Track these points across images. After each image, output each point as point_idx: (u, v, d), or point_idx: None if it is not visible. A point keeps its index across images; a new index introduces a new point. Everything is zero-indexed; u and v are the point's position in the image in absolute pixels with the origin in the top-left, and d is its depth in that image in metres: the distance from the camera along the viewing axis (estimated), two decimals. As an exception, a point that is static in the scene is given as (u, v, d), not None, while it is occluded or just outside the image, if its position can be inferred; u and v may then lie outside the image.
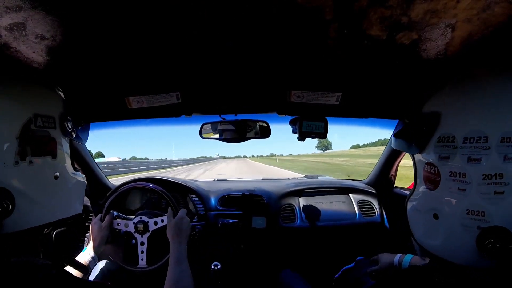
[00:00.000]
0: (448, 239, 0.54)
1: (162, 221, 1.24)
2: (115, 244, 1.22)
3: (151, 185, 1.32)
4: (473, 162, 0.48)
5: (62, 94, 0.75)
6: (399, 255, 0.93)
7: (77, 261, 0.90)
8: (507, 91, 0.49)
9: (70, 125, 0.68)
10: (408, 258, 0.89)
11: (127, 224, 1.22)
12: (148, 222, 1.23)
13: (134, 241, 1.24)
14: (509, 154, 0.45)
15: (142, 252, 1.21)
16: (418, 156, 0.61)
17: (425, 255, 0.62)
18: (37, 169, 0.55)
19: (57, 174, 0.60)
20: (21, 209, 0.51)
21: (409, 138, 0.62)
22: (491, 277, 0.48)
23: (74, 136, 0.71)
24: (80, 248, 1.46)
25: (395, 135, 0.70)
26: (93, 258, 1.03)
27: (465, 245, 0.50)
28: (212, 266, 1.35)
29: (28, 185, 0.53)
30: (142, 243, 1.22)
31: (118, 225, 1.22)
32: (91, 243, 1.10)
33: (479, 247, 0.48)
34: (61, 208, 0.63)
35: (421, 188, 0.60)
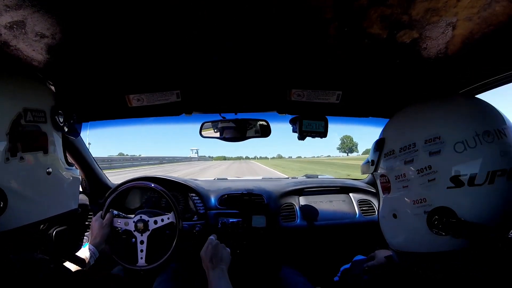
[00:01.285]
0: (407, 232, 0.64)
1: (162, 220, 1.24)
2: (114, 242, 1.22)
3: (152, 185, 1.32)
4: (408, 163, 0.61)
5: (53, 88, 0.73)
6: None
7: (77, 256, 0.90)
8: (423, 111, 0.65)
9: (61, 119, 0.66)
10: None
11: (127, 223, 1.22)
12: (148, 221, 1.23)
13: (134, 240, 1.24)
14: (432, 150, 0.58)
15: (141, 250, 1.21)
16: (376, 173, 0.73)
17: (399, 255, 0.70)
18: (29, 165, 0.54)
19: (50, 169, 0.59)
20: (13, 207, 0.50)
21: (368, 162, 0.75)
22: (461, 260, 0.56)
23: (66, 130, 0.70)
24: (79, 247, 1.46)
25: (362, 166, 0.80)
26: (93, 253, 1.03)
27: (421, 231, 0.59)
28: None
29: (20, 182, 0.52)
30: (141, 242, 1.22)
31: (119, 223, 1.22)
32: (91, 239, 1.10)
33: (431, 228, 0.58)
34: (56, 204, 0.63)
35: (382, 198, 0.71)
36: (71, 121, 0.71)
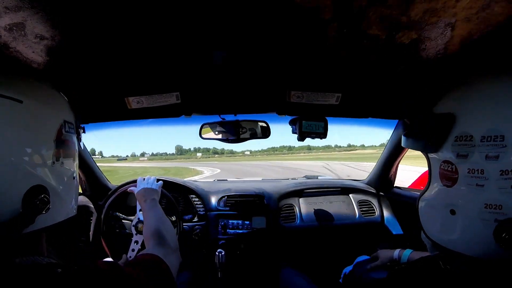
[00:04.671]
0: (465, 233, 0.56)
1: None
2: (120, 247, 1.22)
3: None
4: (490, 159, 0.50)
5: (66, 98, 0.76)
6: (397, 250, 0.95)
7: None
8: None
9: (81, 131, 0.74)
10: (407, 252, 0.91)
11: (129, 228, 1.22)
12: None
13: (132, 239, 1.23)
14: None
15: (133, 250, 1.21)
16: (433, 155, 0.62)
17: (437, 250, 0.63)
18: (66, 169, 0.61)
19: (75, 175, 0.66)
20: (52, 205, 0.56)
21: (423, 137, 0.63)
22: (504, 266, 0.51)
23: (81, 141, 0.76)
24: (79, 248, 1.46)
25: (405, 134, 0.70)
26: None
27: (483, 237, 0.52)
28: (217, 253, 1.34)
29: (59, 183, 0.59)
30: (136, 242, 1.21)
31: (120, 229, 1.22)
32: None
33: (496, 238, 0.50)
34: (74, 206, 0.68)
35: (437, 186, 0.61)
36: (80, 130, 0.77)
